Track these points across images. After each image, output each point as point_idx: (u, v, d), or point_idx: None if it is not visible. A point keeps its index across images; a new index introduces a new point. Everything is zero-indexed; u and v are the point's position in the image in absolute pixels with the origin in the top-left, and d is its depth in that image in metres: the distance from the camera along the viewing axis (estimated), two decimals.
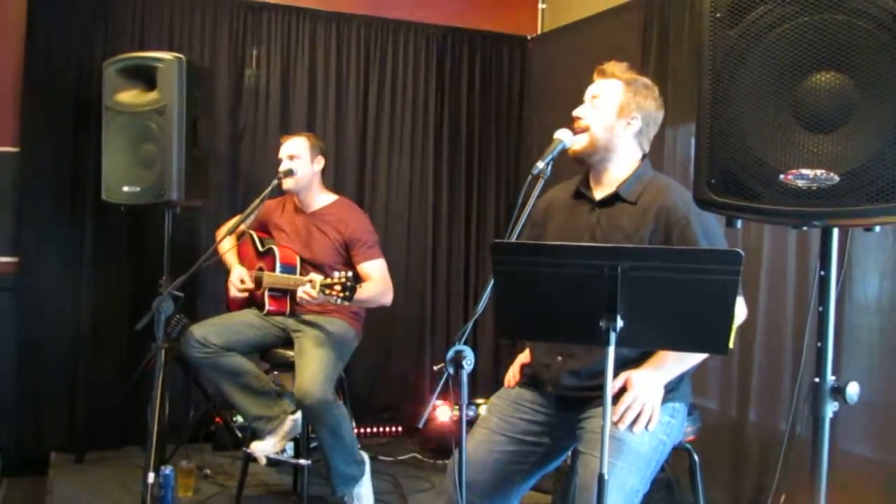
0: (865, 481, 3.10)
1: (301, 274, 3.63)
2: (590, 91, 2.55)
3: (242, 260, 3.83)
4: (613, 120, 2.49)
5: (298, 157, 3.73)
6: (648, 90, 2.53)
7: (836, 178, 1.74)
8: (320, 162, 3.81)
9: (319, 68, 4.79)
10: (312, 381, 3.34)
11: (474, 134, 5.16)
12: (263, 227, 3.92)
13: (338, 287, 3.20)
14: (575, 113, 2.53)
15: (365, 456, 3.65)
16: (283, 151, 3.76)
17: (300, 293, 3.34)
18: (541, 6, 5.29)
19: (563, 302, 2.01)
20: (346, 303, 3.24)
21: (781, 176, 1.80)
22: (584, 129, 2.48)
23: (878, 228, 1.91)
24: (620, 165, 2.52)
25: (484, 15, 5.18)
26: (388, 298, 3.66)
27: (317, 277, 3.30)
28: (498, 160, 5.22)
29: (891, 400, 3.04)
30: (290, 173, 3.69)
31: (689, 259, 1.92)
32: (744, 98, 1.84)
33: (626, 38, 4.26)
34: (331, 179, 4.52)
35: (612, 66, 2.54)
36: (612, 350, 1.92)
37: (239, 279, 3.72)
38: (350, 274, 3.24)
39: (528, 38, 5.28)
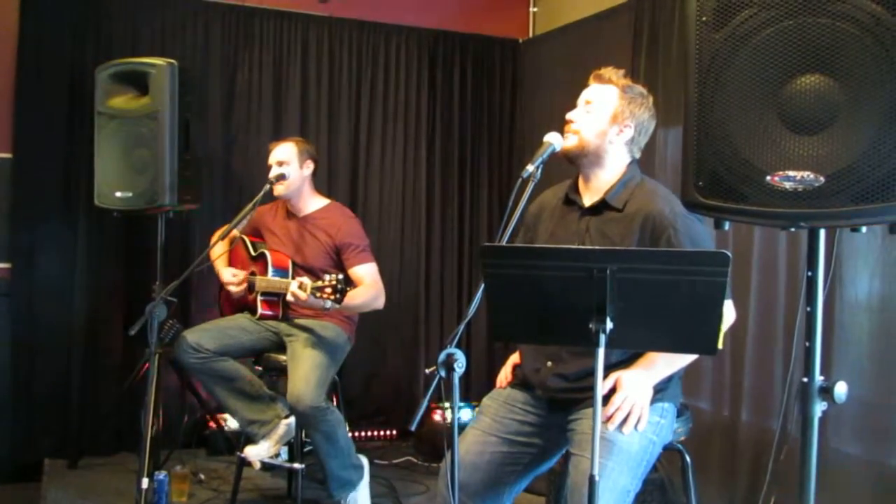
0: (857, 480, 3.12)
1: (293, 278, 3.64)
2: (584, 95, 2.54)
3: (235, 264, 3.83)
4: (606, 126, 2.48)
5: (287, 163, 3.74)
6: (644, 99, 2.53)
7: (822, 180, 1.76)
8: (309, 166, 3.81)
9: (311, 73, 4.80)
10: (304, 386, 3.34)
11: (466, 137, 5.18)
12: (256, 232, 3.93)
13: (328, 290, 3.21)
14: (568, 116, 2.52)
15: (363, 460, 3.67)
16: (273, 157, 3.77)
17: (289, 295, 3.35)
18: (532, 9, 5.31)
19: (553, 305, 2.03)
20: (337, 306, 3.25)
21: (768, 178, 1.81)
22: (576, 132, 2.48)
23: (864, 229, 1.93)
24: (609, 170, 2.51)
25: (475, 18, 5.19)
26: (380, 302, 3.67)
27: (307, 280, 3.31)
28: (490, 163, 5.24)
29: (881, 399, 3.06)
30: (279, 178, 3.70)
31: (678, 261, 1.94)
32: (730, 101, 1.86)
33: (616, 40, 4.28)
34: (323, 183, 4.53)
35: (609, 72, 2.53)
36: (601, 352, 1.93)
37: (232, 275, 3.73)
38: (340, 276, 3.25)
39: (520, 41, 5.30)
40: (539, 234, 2.65)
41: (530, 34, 5.31)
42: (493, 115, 5.24)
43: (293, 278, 3.61)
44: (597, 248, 2.34)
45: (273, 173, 3.71)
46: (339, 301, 3.21)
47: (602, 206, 2.49)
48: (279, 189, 3.72)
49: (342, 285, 3.21)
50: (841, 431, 3.11)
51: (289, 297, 3.34)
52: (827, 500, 2.23)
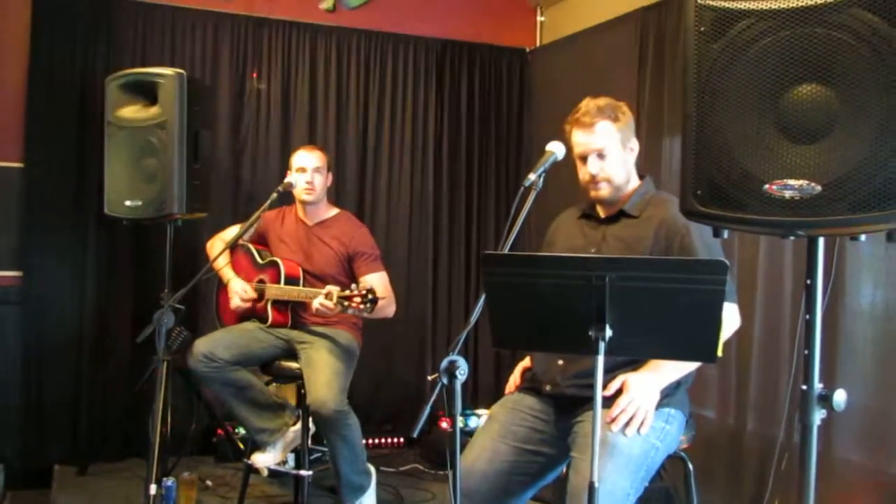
0: (861, 489, 3.11)
1: (304, 285, 3.67)
2: (588, 147, 2.55)
3: (237, 272, 3.84)
4: (622, 157, 2.58)
5: (321, 170, 3.80)
6: (621, 111, 2.60)
7: (819, 189, 1.76)
8: (330, 177, 3.90)
9: (320, 82, 4.84)
10: (328, 392, 3.37)
11: (474, 146, 5.20)
12: (261, 239, 3.95)
13: (357, 299, 3.25)
14: (591, 172, 2.56)
15: (371, 467, 3.69)
16: (305, 162, 3.78)
17: (317, 304, 3.37)
18: (539, 19, 5.34)
19: (553, 312, 2.04)
20: (367, 314, 3.30)
21: (766, 186, 1.82)
22: (606, 180, 2.56)
23: (863, 237, 1.93)
24: (624, 187, 2.62)
25: (483, 28, 5.22)
26: (391, 310, 3.70)
27: (334, 289, 3.34)
28: (497, 172, 5.26)
29: (885, 408, 3.05)
30: (312, 185, 3.75)
31: (676, 269, 1.95)
32: (728, 110, 1.86)
33: (623, 49, 4.29)
34: (331, 192, 4.55)
35: (590, 115, 2.55)
36: (601, 359, 1.95)
37: (243, 290, 3.75)
38: (370, 286, 3.30)
39: (527, 50, 5.32)
40: (557, 245, 2.73)
41: (538, 43, 5.33)
42: (500, 124, 5.26)
43: (303, 286, 3.65)
44: (596, 256, 2.39)
45: (306, 179, 3.75)
46: (369, 310, 3.27)
47: (619, 215, 2.59)
48: (309, 195, 3.77)
49: (373, 295, 3.25)
50: (845, 440, 3.11)
51: (316, 306, 3.37)
52: None
